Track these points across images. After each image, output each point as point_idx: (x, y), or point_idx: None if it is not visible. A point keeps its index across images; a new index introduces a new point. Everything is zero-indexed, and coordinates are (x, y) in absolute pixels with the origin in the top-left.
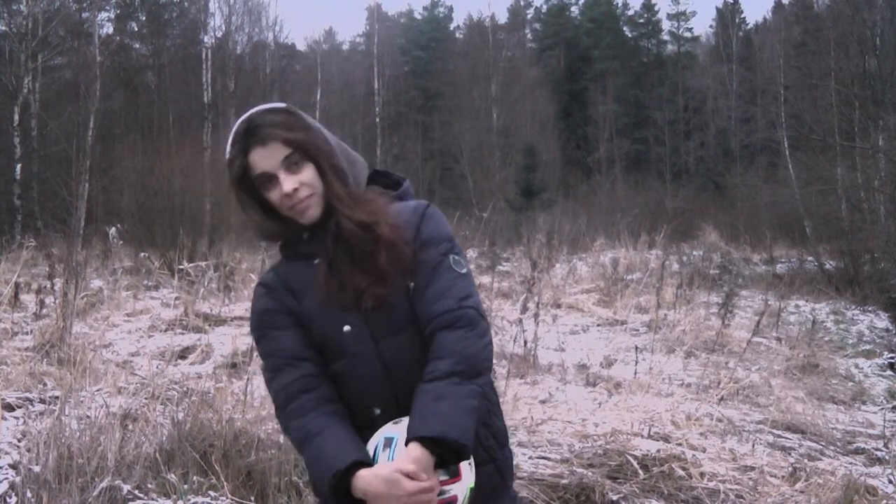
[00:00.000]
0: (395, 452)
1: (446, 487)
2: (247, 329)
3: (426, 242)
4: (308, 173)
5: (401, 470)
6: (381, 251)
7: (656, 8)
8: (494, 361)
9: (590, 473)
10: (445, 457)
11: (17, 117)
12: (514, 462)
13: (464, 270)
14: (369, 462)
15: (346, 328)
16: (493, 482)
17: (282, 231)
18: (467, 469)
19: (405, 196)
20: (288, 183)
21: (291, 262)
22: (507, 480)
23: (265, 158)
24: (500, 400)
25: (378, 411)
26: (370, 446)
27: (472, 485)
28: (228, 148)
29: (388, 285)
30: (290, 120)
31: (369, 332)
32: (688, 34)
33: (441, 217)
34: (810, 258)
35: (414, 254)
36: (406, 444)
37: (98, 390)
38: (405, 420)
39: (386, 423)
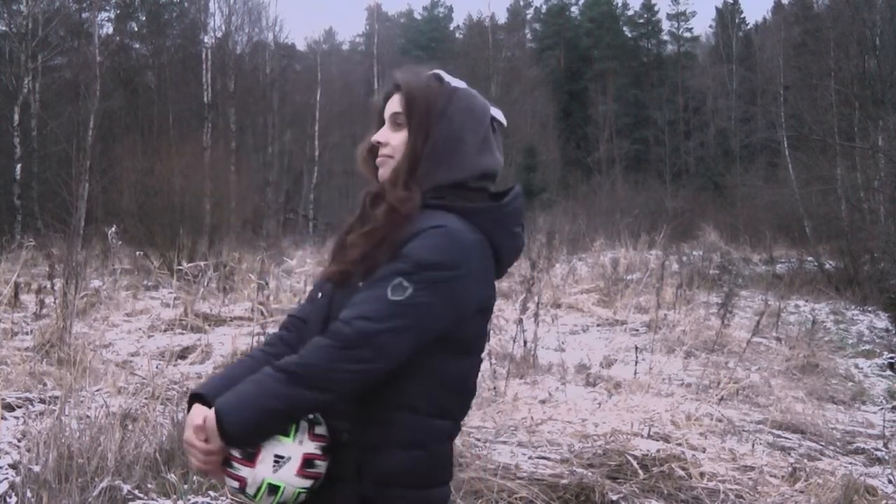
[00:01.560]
0: (298, 433)
1: (235, 464)
2: (247, 329)
3: (398, 255)
4: (398, 138)
5: (191, 419)
6: (383, 247)
7: (656, 8)
8: (495, 362)
9: (590, 473)
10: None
11: (17, 117)
12: (514, 462)
13: (398, 298)
14: (210, 402)
15: (319, 295)
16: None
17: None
18: (268, 462)
19: (464, 212)
20: (381, 133)
21: None
22: None
23: (392, 103)
24: (501, 400)
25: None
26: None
27: (277, 483)
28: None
29: (353, 266)
30: (421, 85)
31: (328, 305)
32: (688, 34)
33: (437, 243)
34: (810, 258)
35: (388, 260)
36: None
37: (98, 390)
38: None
39: None
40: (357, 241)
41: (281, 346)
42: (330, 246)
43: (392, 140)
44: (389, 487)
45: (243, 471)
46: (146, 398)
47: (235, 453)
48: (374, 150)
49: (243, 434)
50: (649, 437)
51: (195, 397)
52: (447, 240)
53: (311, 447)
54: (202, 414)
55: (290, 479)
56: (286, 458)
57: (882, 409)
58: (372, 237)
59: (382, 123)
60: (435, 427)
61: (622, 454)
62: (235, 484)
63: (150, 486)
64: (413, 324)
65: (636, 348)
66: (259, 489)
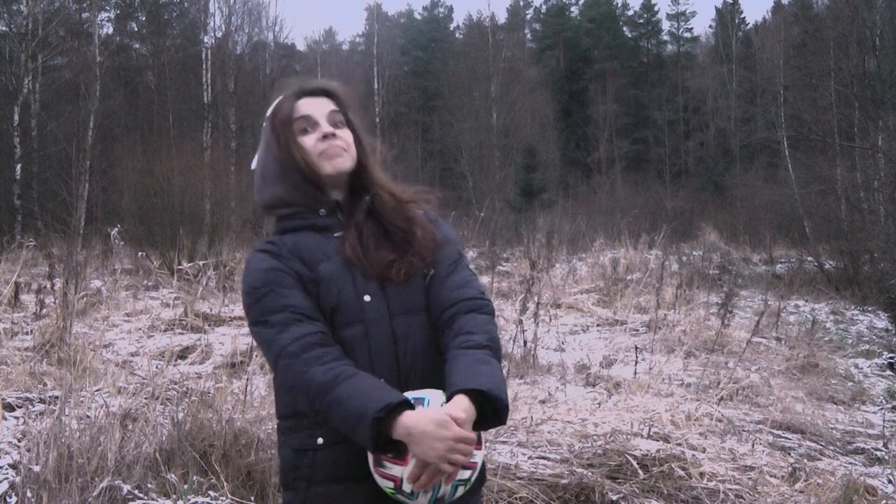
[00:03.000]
0: (428, 408)
1: (388, 464)
2: (246, 329)
3: (445, 240)
4: (348, 135)
5: (451, 414)
6: (416, 228)
7: (656, 8)
8: None
9: (589, 473)
10: (484, 417)
11: (17, 117)
12: (514, 462)
13: (475, 273)
14: (411, 406)
15: (367, 298)
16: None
17: (297, 196)
18: (483, 441)
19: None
20: (328, 126)
21: (299, 234)
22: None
23: (312, 105)
24: None
25: (382, 380)
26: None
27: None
28: (278, 100)
29: (416, 262)
30: (346, 90)
31: (387, 305)
32: (687, 34)
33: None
34: (810, 258)
35: (439, 245)
36: (449, 398)
37: (98, 390)
38: (428, 391)
39: None
40: (412, 236)
41: (348, 359)
42: (352, 254)
43: (341, 134)
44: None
45: (395, 469)
46: (146, 398)
47: (387, 452)
48: (305, 153)
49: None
50: (649, 437)
51: (403, 405)
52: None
53: None
54: (459, 407)
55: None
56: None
57: (882, 409)
58: (424, 227)
59: (291, 129)
60: None
61: (622, 454)
62: (390, 484)
63: (150, 486)
64: None
65: (636, 348)
66: (477, 471)
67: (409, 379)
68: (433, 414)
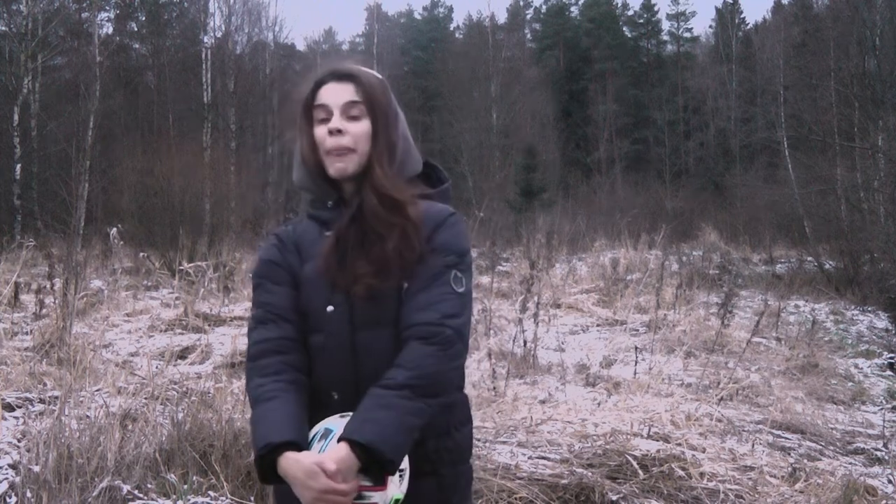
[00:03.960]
0: (328, 445)
1: (367, 493)
2: (246, 329)
3: (435, 249)
4: (360, 128)
5: (321, 465)
6: (392, 237)
7: (656, 8)
8: (494, 362)
9: (589, 473)
10: (370, 466)
11: (16, 117)
12: (514, 462)
13: (461, 289)
14: (303, 446)
15: (330, 308)
16: (429, 496)
17: (311, 184)
18: (395, 480)
19: (442, 197)
20: (338, 121)
21: (309, 223)
22: (449, 498)
23: (332, 93)
24: (500, 400)
25: (336, 396)
26: (311, 432)
27: (399, 496)
28: (307, 80)
29: (385, 278)
30: (376, 80)
31: (350, 318)
32: (687, 34)
33: (462, 230)
34: (810, 258)
35: (420, 256)
36: (338, 442)
37: (98, 390)
38: (341, 419)
39: (342, 409)
40: (385, 248)
41: (293, 371)
42: (322, 263)
43: (353, 130)
44: (457, 466)
45: (375, 496)
46: (146, 398)
47: (365, 482)
48: (315, 145)
49: (400, 459)
50: (649, 437)
51: (284, 446)
52: (463, 225)
53: None
54: (333, 458)
55: (405, 488)
56: (404, 470)
57: (882, 409)
58: (404, 238)
59: (310, 116)
60: (466, 401)
61: (622, 454)
62: None
63: (149, 486)
64: (471, 308)
65: (636, 348)
66: None
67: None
68: (306, 462)
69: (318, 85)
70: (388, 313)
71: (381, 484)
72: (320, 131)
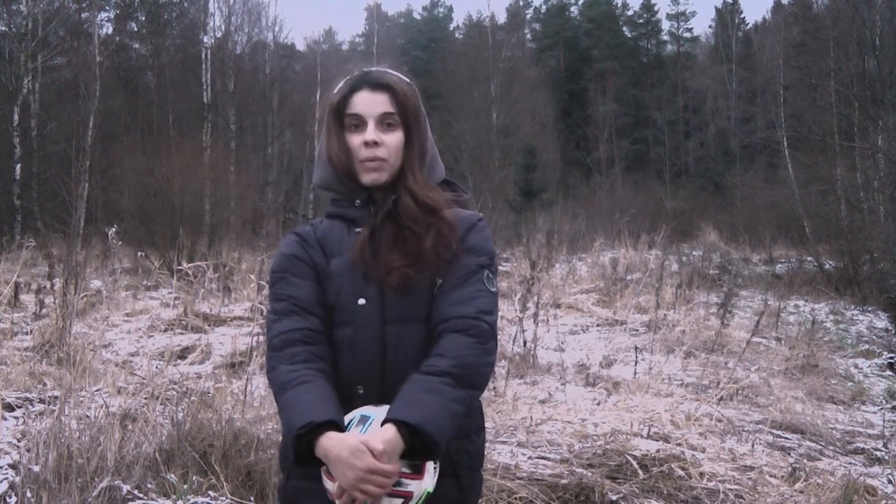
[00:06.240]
0: (367, 430)
1: (405, 480)
2: (246, 329)
3: (469, 250)
4: (395, 139)
5: (368, 444)
6: (429, 236)
7: (656, 8)
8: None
9: (589, 473)
10: (415, 450)
11: (16, 117)
12: (514, 462)
13: (493, 289)
14: (343, 428)
15: (361, 301)
16: (449, 497)
17: (336, 184)
18: (431, 471)
19: (464, 206)
20: (373, 133)
21: (332, 222)
22: (466, 501)
23: (366, 103)
24: (500, 400)
25: (361, 391)
26: (346, 418)
27: (431, 490)
28: (339, 85)
29: (419, 270)
30: (409, 88)
31: (381, 311)
32: (687, 34)
33: (489, 234)
34: (810, 258)
35: (454, 254)
36: (382, 425)
37: (97, 390)
38: (386, 407)
39: (367, 404)
40: (422, 245)
41: (321, 361)
42: (358, 255)
43: (388, 141)
44: (474, 471)
45: (412, 485)
46: (146, 398)
47: (405, 469)
48: (348, 151)
49: (445, 442)
50: (649, 437)
51: (326, 426)
52: (489, 229)
53: None
54: (380, 438)
55: (435, 483)
56: (437, 464)
57: (882, 409)
58: (440, 237)
59: (341, 120)
60: (481, 408)
61: (622, 454)
62: (399, 501)
63: (149, 486)
64: (498, 309)
65: (636, 348)
66: (420, 500)
67: (395, 389)
68: (351, 440)
69: (352, 91)
70: (419, 309)
71: (418, 473)
72: (355, 140)
